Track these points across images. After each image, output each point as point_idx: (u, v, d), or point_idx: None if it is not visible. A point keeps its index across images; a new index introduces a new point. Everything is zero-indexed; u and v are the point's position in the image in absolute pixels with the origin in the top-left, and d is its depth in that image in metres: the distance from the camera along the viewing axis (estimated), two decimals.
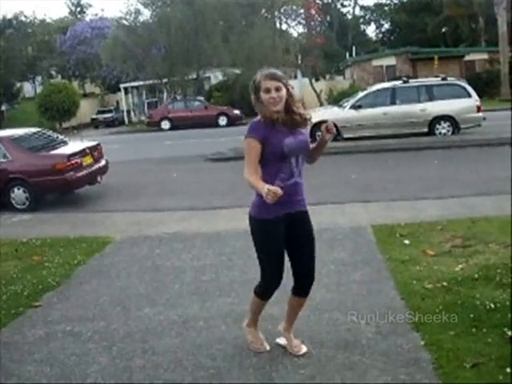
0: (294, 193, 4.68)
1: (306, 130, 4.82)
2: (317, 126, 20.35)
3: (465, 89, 20.32)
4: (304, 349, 5.05)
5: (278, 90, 4.54)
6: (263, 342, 5.19)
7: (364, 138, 20.25)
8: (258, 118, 4.67)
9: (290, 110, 4.63)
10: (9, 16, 69.12)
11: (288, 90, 4.62)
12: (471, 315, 5.37)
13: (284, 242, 4.78)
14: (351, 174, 14.00)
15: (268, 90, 4.54)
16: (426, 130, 20.12)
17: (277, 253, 4.77)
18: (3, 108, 56.14)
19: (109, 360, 5.23)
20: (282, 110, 4.58)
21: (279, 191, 4.14)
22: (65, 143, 14.83)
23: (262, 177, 4.54)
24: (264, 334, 5.26)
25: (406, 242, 8.01)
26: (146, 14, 45.99)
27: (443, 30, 55.59)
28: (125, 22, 45.50)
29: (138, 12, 45.47)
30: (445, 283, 6.20)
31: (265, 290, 4.93)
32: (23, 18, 69.77)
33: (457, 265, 6.81)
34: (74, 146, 14.82)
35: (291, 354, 4.98)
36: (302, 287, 4.97)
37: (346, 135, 20.45)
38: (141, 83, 48.81)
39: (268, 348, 5.13)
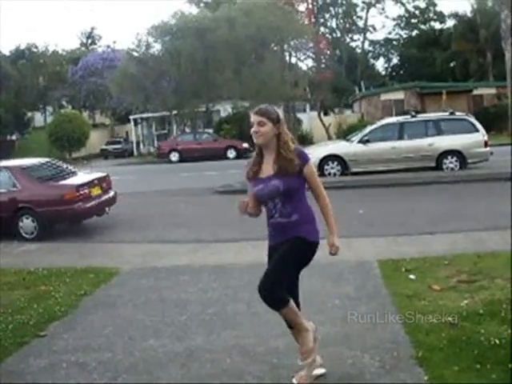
0: (277, 230, 5.01)
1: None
2: (325, 159, 20.59)
3: (472, 124, 20.40)
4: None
5: (260, 124, 4.87)
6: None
7: (372, 172, 20.26)
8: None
9: (279, 151, 4.91)
10: (22, 47, 69.91)
11: (278, 127, 4.91)
12: (476, 351, 5.35)
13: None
14: (358, 209, 14.00)
15: (252, 124, 4.92)
16: (433, 164, 20.15)
17: None
18: (14, 137, 56.52)
19: None
20: (264, 143, 4.93)
21: (241, 203, 4.97)
22: (74, 174, 14.91)
23: None
24: (269, 367, 5.26)
25: (412, 276, 8.00)
26: (157, 47, 46.38)
27: (451, 64, 55.89)
28: (135, 53, 45.85)
29: (148, 45, 45.84)
30: (450, 318, 6.19)
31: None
32: (35, 49, 70.41)
33: (462, 300, 6.80)
34: (82, 176, 14.90)
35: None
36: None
37: (353, 169, 20.51)
38: (150, 115, 49.10)
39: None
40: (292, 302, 4.91)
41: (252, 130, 4.91)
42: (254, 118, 4.90)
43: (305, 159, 4.89)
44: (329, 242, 4.98)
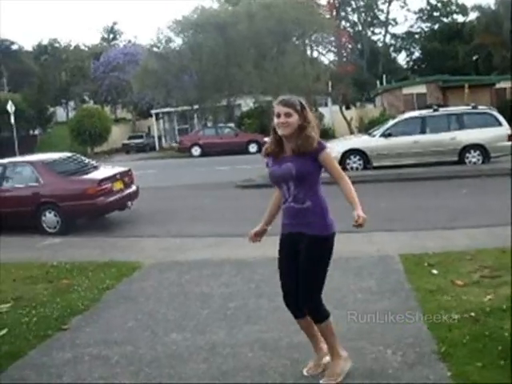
0: (290, 216, 5.00)
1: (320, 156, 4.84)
2: (347, 154, 20.54)
3: (495, 117, 20.24)
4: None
5: (287, 115, 4.81)
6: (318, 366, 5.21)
7: (394, 166, 20.17)
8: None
9: (299, 135, 4.84)
10: (44, 42, 70.30)
11: (305, 117, 4.86)
12: (499, 347, 5.32)
13: (290, 270, 4.99)
14: (380, 203, 13.95)
15: (278, 115, 4.84)
16: (456, 158, 20.03)
17: (280, 267, 5.09)
18: (36, 132, 56.86)
19: None
20: (289, 134, 4.84)
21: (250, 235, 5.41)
22: (96, 168, 14.99)
23: None
24: (291, 361, 5.26)
25: (434, 271, 7.97)
26: (178, 42, 46.48)
27: (474, 57, 55.45)
28: (156, 49, 45.94)
29: (169, 40, 45.93)
30: (473, 314, 6.15)
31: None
32: (57, 45, 70.74)
33: (485, 295, 6.75)
34: (105, 171, 14.98)
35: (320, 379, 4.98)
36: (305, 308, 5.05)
37: (375, 163, 20.45)
38: (172, 109, 49.14)
39: None
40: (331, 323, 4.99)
41: (278, 121, 4.83)
42: (280, 109, 4.83)
43: (321, 145, 4.84)
44: (354, 215, 4.78)
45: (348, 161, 20.50)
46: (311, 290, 4.88)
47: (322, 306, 4.90)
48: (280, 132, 4.85)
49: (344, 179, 4.90)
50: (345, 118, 42.30)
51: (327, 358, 5.18)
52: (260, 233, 5.36)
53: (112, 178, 14.13)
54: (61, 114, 70.24)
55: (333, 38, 49.28)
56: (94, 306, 7.69)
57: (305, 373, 5.12)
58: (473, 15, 66.81)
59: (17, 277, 9.34)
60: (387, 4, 71.91)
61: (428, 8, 73.95)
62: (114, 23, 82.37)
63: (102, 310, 7.54)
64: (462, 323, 5.96)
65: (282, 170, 4.86)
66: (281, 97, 4.97)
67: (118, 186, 14.25)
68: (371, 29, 75.09)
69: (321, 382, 4.94)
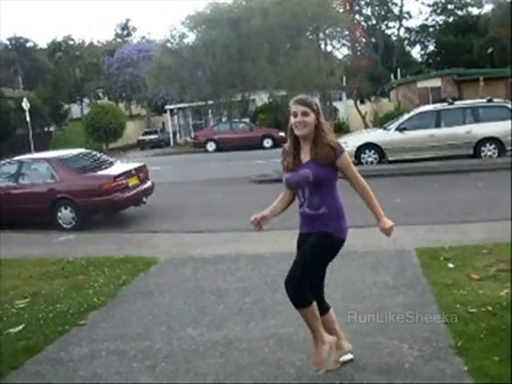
0: (304, 220, 5.02)
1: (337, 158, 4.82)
2: (362, 148, 20.50)
3: (511, 110, 20.09)
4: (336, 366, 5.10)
5: (304, 114, 4.78)
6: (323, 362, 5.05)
7: (409, 160, 20.11)
8: (287, 144, 5.05)
9: (317, 140, 4.84)
10: (58, 39, 70.59)
11: (318, 117, 4.84)
12: None
13: None
14: (395, 197, 13.91)
15: (295, 114, 4.82)
16: (471, 152, 19.91)
17: None
18: (51, 129, 57.09)
19: (152, 379, 5.29)
20: (306, 134, 4.83)
21: (252, 219, 5.19)
22: (111, 164, 15.04)
23: None
24: (307, 356, 5.26)
25: (451, 265, 7.94)
26: (191, 37, 46.52)
27: (489, 50, 55.04)
28: (169, 45, 46.01)
29: (182, 35, 45.98)
30: (489, 308, 6.13)
31: None
32: (71, 42, 71.03)
33: (502, 289, 6.72)
34: (120, 167, 15.04)
35: (334, 377, 4.98)
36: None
37: (390, 158, 20.40)
38: (186, 105, 49.20)
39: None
40: (314, 306, 4.86)
41: (295, 120, 4.81)
42: (297, 108, 4.80)
43: (339, 150, 4.81)
44: (381, 227, 4.96)
45: (363, 155, 20.47)
46: (301, 275, 4.79)
47: (302, 292, 4.76)
48: (297, 132, 4.82)
49: (362, 184, 4.92)
50: (359, 112, 42.17)
51: (346, 355, 5.20)
52: (265, 218, 5.13)
53: (127, 174, 14.18)
54: (75, 110, 70.51)
55: (347, 32, 49.17)
56: (110, 301, 7.72)
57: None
58: (488, 8, 66.53)
59: (33, 273, 9.39)
60: None
61: (442, 1, 73.43)
62: (128, 20, 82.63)
63: (119, 305, 7.57)
64: (479, 317, 5.93)
65: (298, 177, 4.85)
66: (296, 96, 4.95)
67: (134, 181, 14.29)
68: (385, 22, 74.72)
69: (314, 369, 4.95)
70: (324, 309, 5.13)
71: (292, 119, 4.84)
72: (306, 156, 4.88)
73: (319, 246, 4.86)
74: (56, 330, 6.70)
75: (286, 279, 4.83)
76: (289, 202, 5.18)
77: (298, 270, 4.82)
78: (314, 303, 4.86)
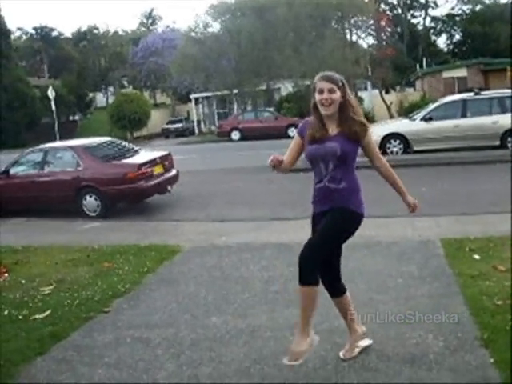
0: (323, 196, 4.88)
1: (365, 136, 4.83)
2: (387, 138, 20.41)
3: None
4: (354, 353, 5.14)
5: (330, 91, 4.69)
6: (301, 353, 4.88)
7: (434, 150, 19.99)
8: (311, 118, 4.92)
9: (345, 116, 4.77)
10: (83, 29, 70.94)
11: (345, 94, 4.76)
12: None
13: None
14: (421, 187, 13.83)
15: (321, 91, 4.72)
16: (497, 143, 19.72)
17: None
18: (76, 118, 57.45)
19: (176, 367, 5.31)
20: (332, 114, 4.75)
21: (271, 157, 4.83)
22: (136, 152, 15.08)
23: None
24: (331, 345, 5.27)
25: (476, 256, 7.88)
26: (216, 26, 46.53)
27: None
28: (193, 34, 46.02)
29: (206, 25, 46.00)
30: None
31: None
32: (96, 31, 71.34)
33: None
34: (145, 155, 15.06)
35: (358, 367, 4.98)
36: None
37: (416, 148, 20.29)
38: (211, 94, 49.18)
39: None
40: (317, 293, 4.75)
41: (321, 97, 4.71)
42: (323, 84, 4.71)
43: (368, 127, 4.83)
44: (406, 201, 4.94)
45: (388, 145, 20.38)
46: (316, 248, 4.74)
47: (312, 267, 4.70)
48: (324, 112, 4.74)
49: (385, 163, 4.92)
50: (384, 102, 41.93)
51: (363, 341, 5.21)
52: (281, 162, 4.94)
53: (152, 162, 14.22)
54: (100, 99, 70.91)
55: (372, 22, 48.77)
56: (135, 288, 7.76)
57: (341, 356, 5.14)
58: None
59: (58, 260, 9.46)
60: None
61: None
62: (153, 8, 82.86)
63: (143, 292, 7.60)
64: (505, 309, 5.88)
65: (325, 150, 4.75)
66: (322, 73, 4.84)
67: (158, 170, 14.32)
68: (411, 11, 74.19)
69: (283, 361, 4.83)
70: (341, 291, 5.14)
71: (317, 96, 4.74)
72: (333, 130, 4.82)
73: (338, 220, 4.80)
74: (81, 316, 6.74)
75: (301, 253, 4.75)
76: (296, 158, 5.14)
77: (315, 243, 4.77)
78: (318, 291, 4.78)
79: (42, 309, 7.05)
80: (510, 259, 7.46)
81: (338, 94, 4.70)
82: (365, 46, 53.55)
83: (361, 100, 44.70)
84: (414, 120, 21.07)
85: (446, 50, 77.26)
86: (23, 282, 8.35)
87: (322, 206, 4.91)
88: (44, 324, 6.55)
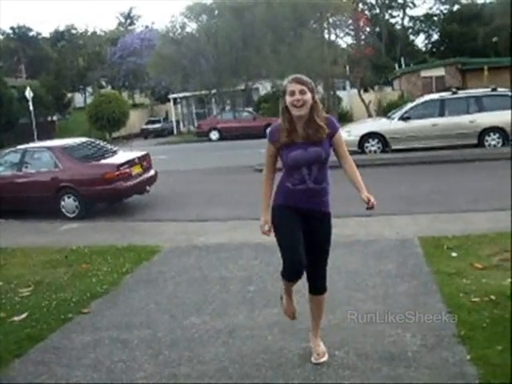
0: (305, 196, 4.89)
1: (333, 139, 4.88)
2: (365, 137, 20.47)
3: None
4: (323, 359, 5.11)
5: (302, 93, 4.71)
6: (295, 312, 5.29)
7: (413, 149, 20.07)
8: (279, 121, 4.91)
9: (311, 119, 4.79)
10: (61, 28, 70.59)
11: (314, 96, 4.80)
12: None
13: (298, 231, 4.91)
14: (399, 186, 13.91)
15: (292, 93, 4.73)
16: (475, 141, 19.86)
17: (285, 232, 5.02)
18: (54, 118, 57.11)
19: (155, 367, 5.30)
20: (304, 115, 4.76)
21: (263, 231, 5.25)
22: (114, 153, 15.03)
23: (282, 176, 5.02)
24: (308, 344, 5.28)
25: (454, 254, 7.93)
26: (192, 26, 46.52)
27: (494, 39, 54.85)
28: (171, 35, 45.97)
29: (183, 25, 45.99)
30: (492, 297, 6.13)
31: (283, 273, 5.05)
32: (74, 31, 71.02)
33: (505, 278, 6.70)
34: (123, 155, 15.00)
35: (337, 366, 4.99)
36: (310, 284, 5.15)
37: (394, 147, 20.37)
38: (190, 94, 49.19)
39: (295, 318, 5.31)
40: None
41: (292, 98, 4.71)
42: (294, 86, 4.72)
43: (335, 127, 4.86)
44: (364, 197, 4.82)
45: (366, 144, 20.44)
46: (325, 266, 5.05)
47: (302, 267, 4.87)
48: (296, 113, 4.74)
49: (350, 160, 4.97)
50: (363, 101, 42.04)
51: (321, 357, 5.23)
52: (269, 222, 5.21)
53: (130, 163, 14.17)
54: (79, 99, 70.54)
55: (350, 21, 48.94)
56: (113, 289, 7.73)
57: (313, 360, 5.15)
58: None
59: (37, 261, 9.42)
60: None
61: None
62: (131, 8, 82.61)
63: (122, 293, 7.58)
64: (482, 306, 5.93)
65: (309, 154, 4.78)
66: (292, 75, 4.86)
67: (137, 170, 14.28)
68: (389, 11, 74.35)
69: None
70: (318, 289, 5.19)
71: (288, 98, 4.74)
72: (301, 132, 4.82)
73: (330, 227, 5.05)
74: (59, 318, 6.72)
75: (299, 262, 4.83)
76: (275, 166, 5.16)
77: (325, 261, 5.07)
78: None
79: (20, 311, 7.01)
80: (510, 255, 7.50)
81: (309, 96, 4.73)
82: (343, 45, 53.83)
83: (339, 99, 44.83)
84: (393, 119, 21.15)
85: (424, 49, 77.55)
86: (0, 284, 8.30)
87: (300, 204, 4.93)
88: (22, 326, 6.51)
